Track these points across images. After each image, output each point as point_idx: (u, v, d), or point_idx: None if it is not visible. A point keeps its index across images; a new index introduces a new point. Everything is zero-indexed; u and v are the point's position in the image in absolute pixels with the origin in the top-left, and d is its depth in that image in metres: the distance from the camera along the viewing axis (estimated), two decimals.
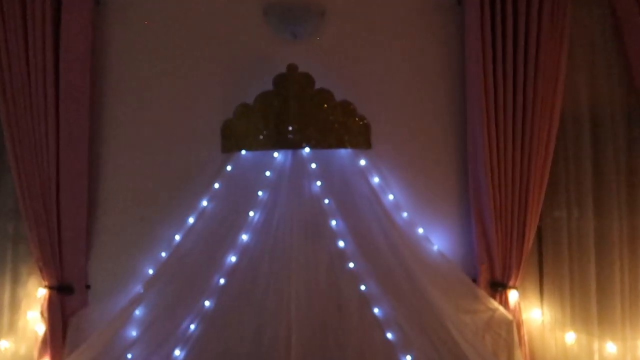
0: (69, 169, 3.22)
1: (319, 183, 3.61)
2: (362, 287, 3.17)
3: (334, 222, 3.33)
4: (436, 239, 3.43)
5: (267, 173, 3.63)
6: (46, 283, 3.25)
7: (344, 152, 3.72)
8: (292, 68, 3.69)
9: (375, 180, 3.72)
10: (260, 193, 3.58)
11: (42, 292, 3.28)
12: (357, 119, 3.73)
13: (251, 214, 3.54)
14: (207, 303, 3.23)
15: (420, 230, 3.54)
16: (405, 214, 3.72)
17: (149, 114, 3.70)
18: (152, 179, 3.70)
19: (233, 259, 3.54)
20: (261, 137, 3.69)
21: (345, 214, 3.55)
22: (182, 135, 3.72)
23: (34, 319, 3.32)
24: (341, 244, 3.29)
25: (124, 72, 3.59)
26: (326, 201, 3.56)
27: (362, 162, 3.72)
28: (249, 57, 3.67)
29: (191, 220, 3.67)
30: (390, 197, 3.74)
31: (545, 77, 3.14)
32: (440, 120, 3.82)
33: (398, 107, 3.82)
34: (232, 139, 3.72)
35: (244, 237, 3.53)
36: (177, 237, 3.65)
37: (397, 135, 3.81)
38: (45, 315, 3.18)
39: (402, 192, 3.75)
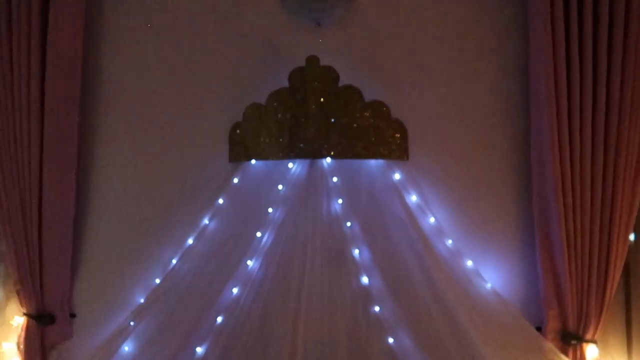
0: (53, 179, 2.77)
1: (340, 201, 2.87)
2: (390, 340, 2.47)
3: (357, 252, 2.64)
4: (490, 275, 2.75)
5: (280, 187, 2.94)
6: (24, 310, 2.82)
7: (373, 164, 2.99)
8: (312, 61, 3.01)
9: (413, 198, 2.96)
10: (270, 210, 2.87)
11: (19, 321, 2.87)
12: (390, 122, 2.99)
13: (258, 234, 2.84)
14: (199, 349, 2.60)
15: (470, 263, 2.78)
16: (449, 242, 2.92)
17: (144, 117, 3.06)
18: (147, 193, 3.09)
19: (235, 290, 2.84)
20: (274, 143, 2.99)
21: (372, 241, 2.79)
22: (182, 142, 3.09)
23: (10, 351, 2.88)
24: (365, 280, 2.60)
25: (120, 67, 3.04)
26: (349, 224, 2.82)
27: (397, 176, 2.98)
28: (261, 48, 2.94)
29: (190, 241, 3.05)
30: (431, 220, 2.95)
31: (636, 75, 2.49)
32: (495, 126, 3.03)
33: (442, 109, 3.07)
34: (240, 146, 3.07)
35: (249, 263, 2.83)
36: (174, 261, 3.04)
37: (441, 144, 3.05)
38: (22, 347, 2.78)
39: (446, 214, 3.01)
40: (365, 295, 2.48)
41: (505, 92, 3.02)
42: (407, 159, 3.01)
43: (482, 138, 3.02)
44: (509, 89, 3.00)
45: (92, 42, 3.02)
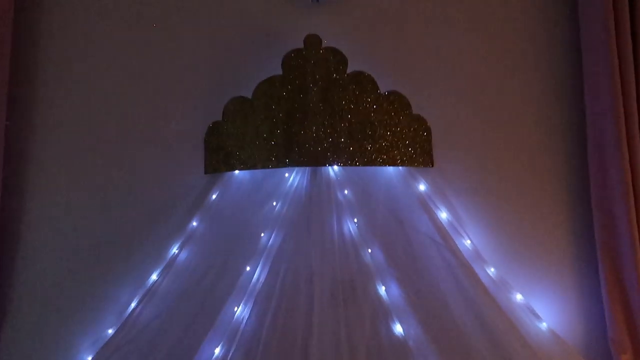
0: None
1: (356, 221, 2.12)
2: None
3: (383, 288, 1.97)
4: (544, 311, 2.14)
5: (274, 203, 2.19)
6: None
7: (392, 172, 2.29)
8: (312, 41, 2.30)
9: (442, 215, 2.26)
10: (262, 235, 2.10)
11: None
12: (412, 120, 2.29)
13: (247, 268, 2.06)
14: None
15: (519, 297, 2.20)
16: (492, 270, 2.22)
17: (94, 119, 2.35)
18: (98, 215, 2.30)
19: (217, 350, 1.99)
20: (264, 148, 2.27)
21: (400, 271, 2.08)
22: (144, 149, 2.36)
23: None
24: (399, 328, 1.91)
25: (62, 57, 2.39)
26: (369, 250, 2.08)
27: (421, 187, 2.29)
28: (247, 27, 2.43)
29: (154, 276, 2.24)
30: (467, 242, 2.26)
31: None
32: (540, 125, 2.41)
33: (472, 104, 2.40)
34: (219, 153, 2.33)
35: (237, 309, 2.02)
36: (133, 304, 2.21)
37: (472, 146, 2.39)
38: None
39: (483, 235, 2.33)
40: (401, 350, 1.82)
41: (554, 84, 2.40)
42: (432, 165, 2.31)
43: (523, 139, 2.38)
44: (558, 80, 2.39)
45: (25, 30, 2.36)
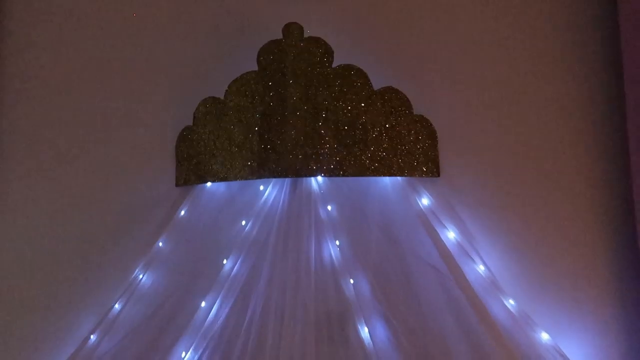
0: None
1: (338, 243, 1.68)
2: None
3: (365, 330, 1.57)
4: (575, 355, 1.69)
5: (243, 222, 1.79)
6: None
7: (388, 184, 1.88)
8: (292, 30, 1.93)
9: (450, 235, 1.81)
10: (224, 262, 1.74)
11: None
12: (413, 121, 1.88)
13: (202, 304, 1.71)
14: None
15: (544, 337, 1.72)
16: (511, 303, 1.75)
17: (50, 125, 2.09)
18: (56, 232, 2.03)
19: None
20: (237, 155, 1.90)
21: (391, 307, 1.65)
22: (111, 158, 2.05)
23: None
24: None
25: (21, 57, 2.10)
26: (352, 281, 1.65)
27: (424, 202, 1.85)
28: (222, 19, 2.07)
29: (117, 306, 1.89)
30: (480, 268, 1.80)
31: None
32: (569, 127, 1.95)
33: (489, 103, 1.97)
34: (191, 162, 1.98)
35: (184, 355, 1.65)
36: (92, 337, 1.86)
37: (489, 153, 1.95)
38: None
39: (503, 259, 1.86)
40: None
41: (581, 79, 1.96)
42: (438, 174, 1.89)
43: (548, 144, 1.93)
44: (587, 75, 1.96)
45: None
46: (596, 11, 1.91)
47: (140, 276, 1.89)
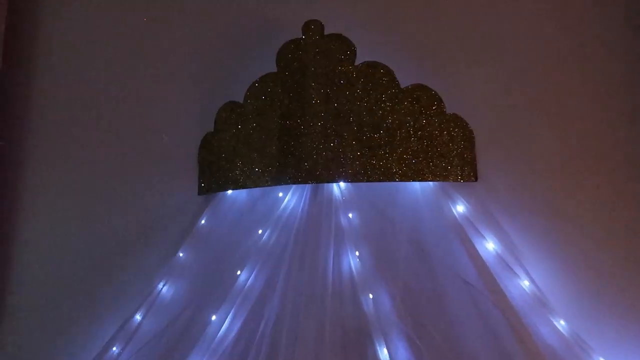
0: None
1: (357, 253, 1.51)
2: None
3: (385, 351, 1.39)
4: None
5: (259, 231, 1.66)
6: None
7: (417, 190, 1.69)
8: (313, 28, 1.79)
9: (489, 247, 1.59)
10: (238, 273, 1.60)
11: None
12: (446, 120, 1.69)
13: (213, 317, 1.58)
14: None
15: None
16: (562, 324, 1.52)
17: (80, 128, 2.06)
18: (75, 244, 1.96)
19: None
20: (256, 162, 1.79)
21: (418, 328, 1.43)
22: (133, 168, 1.99)
23: None
24: None
25: (50, 68, 2.06)
26: (371, 296, 1.47)
27: (460, 209, 1.65)
28: (242, 20, 1.98)
29: (138, 317, 1.79)
30: (524, 284, 1.57)
31: None
32: (618, 127, 1.67)
33: (532, 98, 1.75)
34: (212, 169, 1.86)
35: None
36: (115, 350, 1.77)
37: (535, 154, 1.73)
38: None
39: (551, 274, 1.63)
40: None
41: (629, 77, 1.68)
42: (476, 179, 1.67)
43: (604, 143, 1.70)
44: (636, 72, 1.53)
45: (17, 40, 2.07)
46: None
47: (161, 286, 1.78)
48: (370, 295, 1.40)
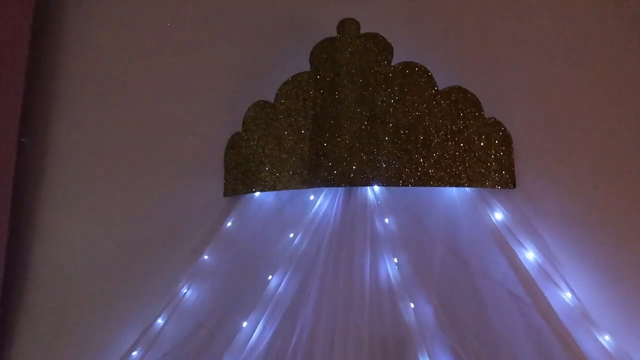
0: None
1: (396, 260, 1.43)
2: None
3: (424, 357, 1.29)
4: None
5: (291, 235, 1.58)
6: None
7: (454, 196, 1.59)
8: (348, 26, 1.69)
9: (529, 256, 1.49)
10: (269, 278, 1.52)
11: None
12: (484, 125, 1.58)
13: (244, 324, 1.50)
14: None
15: None
16: (606, 340, 1.41)
17: (105, 129, 1.96)
18: (98, 245, 1.86)
19: None
20: (287, 164, 1.68)
21: (452, 334, 1.35)
22: (157, 167, 1.89)
23: None
24: None
25: (77, 69, 1.98)
26: (412, 305, 1.37)
27: (498, 216, 1.54)
28: (272, 17, 1.88)
29: (160, 321, 1.70)
30: (566, 296, 1.47)
31: None
32: None
33: (574, 102, 1.63)
34: (239, 170, 1.77)
35: None
36: (135, 353, 1.68)
37: (577, 160, 1.62)
38: None
39: (595, 286, 1.52)
40: None
41: None
42: (514, 185, 1.57)
43: None
44: None
45: (42, 38, 1.99)
46: None
47: (185, 290, 1.69)
48: (412, 305, 1.27)
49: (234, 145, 1.75)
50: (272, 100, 1.69)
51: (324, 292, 1.37)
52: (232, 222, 1.69)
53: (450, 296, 1.37)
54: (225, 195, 1.76)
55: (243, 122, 1.73)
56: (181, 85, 1.87)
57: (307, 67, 1.66)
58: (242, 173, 1.72)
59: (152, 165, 1.85)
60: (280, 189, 1.62)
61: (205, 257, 1.70)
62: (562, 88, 1.60)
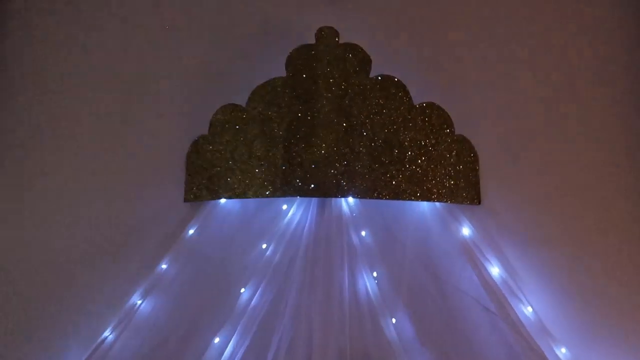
0: None
1: (375, 275, 1.41)
2: None
3: None
4: None
5: (264, 246, 1.50)
6: None
7: (426, 210, 1.59)
8: (326, 34, 1.66)
9: (494, 271, 1.52)
10: (242, 291, 1.44)
11: None
12: (455, 142, 1.61)
13: (217, 340, 1.40)
14: None
15: None
16: (562, 352, 1.47)
17: (49, 121, 1.79)
18: (41, 250, 1.69)
19: None
20: (259, 170, 1.61)
21: (431, 348, 1.36)
22: (113, 168, 1.74)
23: None
24: None
25: (35, 61, 1.79)
26: (392, 320, 1.35)
27: (466, 232, 1.56)
28: (246, 21, 1.80)
29: (110, 336, 1.56)
30: (527, 310, 1.52)
31: None
32: (623, 154, 1.64)
33: (537, 123, 1.70)
34: (203, 175, 1.66)
35: None
36: None
37: (539, 179, 1.67)
38: None
39: (552, 301, 1.58)
40: None
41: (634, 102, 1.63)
42: (479, 202, 1.61)
43: (608, 169, 1.66)
44: None
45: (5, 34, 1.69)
46: None
47: (139, 302, 1.50)
48: (394, 320, 1.25)
49: (198, 148, 1.65)
50: (243, 104, 1.58)
51: (301, 307, 1.30)
52: (195, 230, 1.57)
53: (425, 309, 1.37)
54: (186, 200, 1.64)
55: (210, 125, 1.63)
56: (141, 85, 1.73)
57: (280, 73, 1.58)
58: (206, 178, 1.61)
59: (104, 167, 1.70)
60: (251, 197, 1.54)
61: (164, 266, 1.57)
62: (527, 109, 1.67)
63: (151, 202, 1.67)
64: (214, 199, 1.59)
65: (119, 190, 1.68)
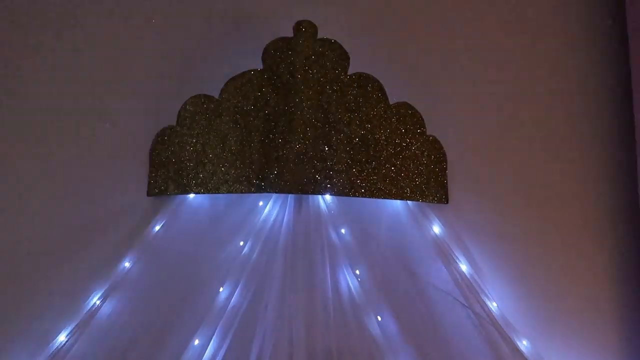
0: None
1: (358, 272, 1.39)
2: None
3: None
4: None
5: (241, 243, 1.44)
6: None
7: (400, 208, 1.61)
8: (305, 28, 1.61)
9: (462, 268, 1.56)
10: (220, 290, 1.37)
11: None
12: (426, 143, 1.62)
13: (196, 341, 1.30)
14: None
15: None
16: (524, 344, 1.53)
17: (19, 113, 1.64)
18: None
19: None
20: (233, 165, 1.54)
21: (415, 344, 1.37)
22: (73, 158, 1.63)
23: None
24: None
25: None
26: (379, 318, 1.38)
27: (436, 230, 1.59)
28: (220, 11, 1.72)
29: (64, 339, 1.45)
30: (493, 305, 1.56)
31: None
32: (591, 151, 1.73)
33: (503, 125, 1.75)
34: (169, 169, 1.57)
35: None
36: None
37: (502, 180, 1.72)
38: None
39: (514, 296, 1.63)
40: None
41: (603, 99, 1.76)
42: (447, 201, 1.62)
43: (568, 171, 1.73)
44: (606, 94, 1.75)
45: None
46: (611, 43, 1.71)
47: (97, 302, 1.43)
48: (379, 318, 1.24)
49: (164, 140, 1.55)
50: (215, 95, 1.50)
51: (283, 305, 1.25)
52: (162, 227, 1.47)
53: (406, 306, 1.37)
54: (149, 195, 1.54)
55: (178, 116, 1.54)
56: (102, 74, 1.63)
57: (253, 65, 1.52)
58: (174, 172, 1.52)
59: (67, 157, 1.59)
60: (224, 192, 1.47)
61: (126, 264, 1.46)
62: (494, 110, 1.72)
63: (112, 196, 1.55)
64: (182, 193, 1.50)
65: (77, 184, 1.56)
